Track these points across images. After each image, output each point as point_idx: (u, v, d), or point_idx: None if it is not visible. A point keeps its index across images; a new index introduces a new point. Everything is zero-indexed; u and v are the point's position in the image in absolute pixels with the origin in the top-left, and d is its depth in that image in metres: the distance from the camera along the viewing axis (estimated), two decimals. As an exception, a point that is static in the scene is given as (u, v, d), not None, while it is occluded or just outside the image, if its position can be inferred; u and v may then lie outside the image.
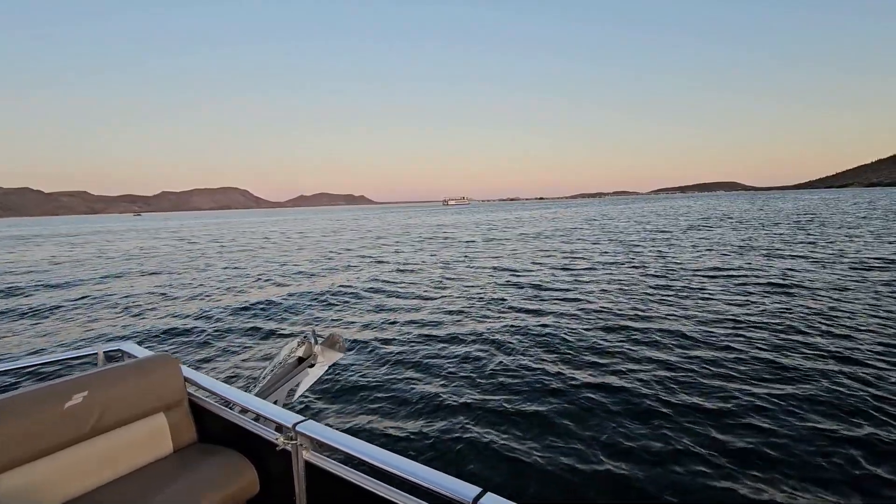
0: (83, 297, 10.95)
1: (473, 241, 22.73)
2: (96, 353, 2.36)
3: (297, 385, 2.50)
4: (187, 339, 7.29)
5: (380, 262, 15.96)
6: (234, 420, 2.00)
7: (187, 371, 2.16)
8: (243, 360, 6.21)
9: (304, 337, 2.60)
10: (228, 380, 5.44)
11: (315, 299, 9.94)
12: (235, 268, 15.60)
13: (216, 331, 7.67)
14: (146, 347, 2.48)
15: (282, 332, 7.57)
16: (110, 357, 2.40)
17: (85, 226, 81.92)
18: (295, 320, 8.35)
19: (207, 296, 10.77)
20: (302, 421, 1.65)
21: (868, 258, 12.50)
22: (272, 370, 2.54)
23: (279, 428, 1.74)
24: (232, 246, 24.82)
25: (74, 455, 1.75)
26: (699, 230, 23.90)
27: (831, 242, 16.47)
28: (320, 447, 1.65)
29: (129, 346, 2.43)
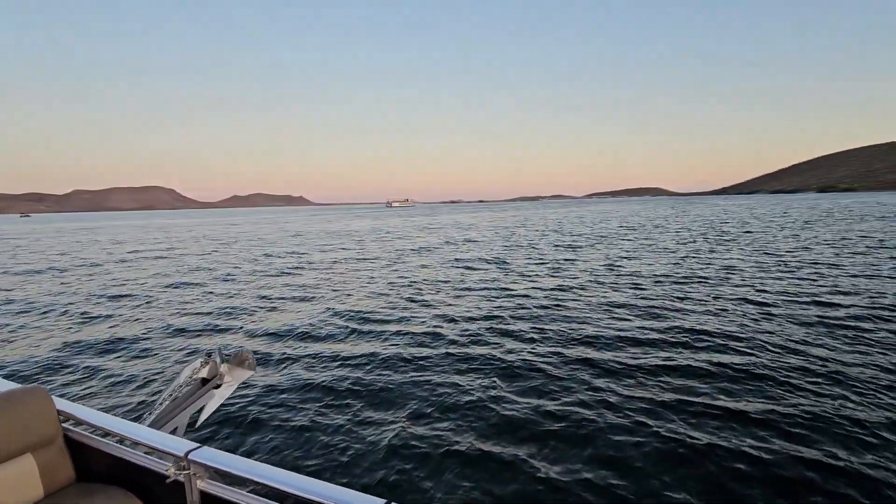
0: None
1: (337, 263, 20.70)
2: None
3: (202, 409, 2.36)
4: (66, 369, 6.75)
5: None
6: (118, 454, 1.86)
7: (62, 404, 1.95)
8: (135, 387, 5.99)
9: (208, 356, 2.46)
10: (119, 411, 5.27)
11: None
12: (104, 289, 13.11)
13: (99, 357, 7.23)
14: (14, 380, 2.28)
15: (174, 351, 7.32)
16: None
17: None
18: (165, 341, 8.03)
19: (87, 321, 9.71)
20: (195, 448, 1.57)
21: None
22: (170, 395, 2.34)
23: (171, 458, 1.62)
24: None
25: None
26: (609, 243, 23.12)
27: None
28: (218, 475, 1.57)
29: None
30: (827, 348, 6.65)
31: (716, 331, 7.51)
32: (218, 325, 8.86)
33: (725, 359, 6.31)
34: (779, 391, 5.28)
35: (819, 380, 5.57)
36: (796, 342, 6.93)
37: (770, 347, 6.73)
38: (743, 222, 35.85)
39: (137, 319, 9.56)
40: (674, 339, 7.19)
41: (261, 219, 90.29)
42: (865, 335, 7.13)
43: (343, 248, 24.73)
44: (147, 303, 11.30)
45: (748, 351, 6.61)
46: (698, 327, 7.72)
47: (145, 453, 1.80)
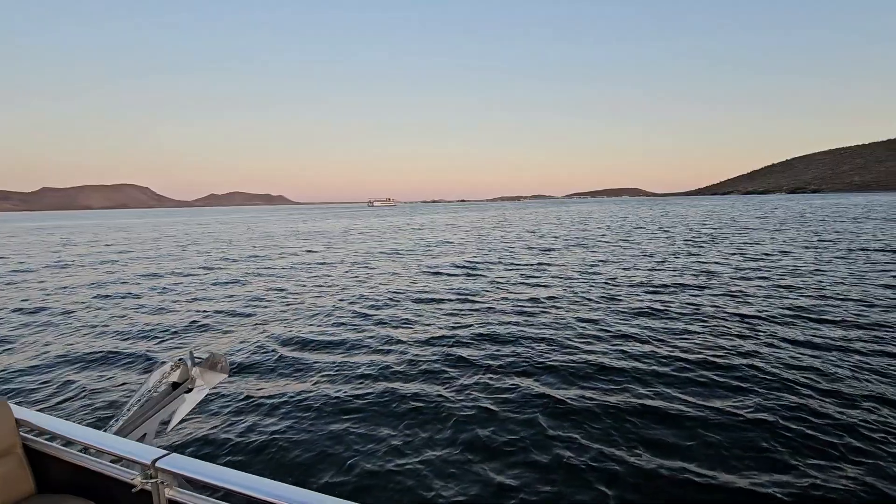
0: None
1: (294, 269, 19.43)
2: None
3: (172, 414, 2.30)
4: (26, 377, 6.39)
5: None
6: (81, 463, 1.79)
7: (21, 412, 1.90)
8: (100, 394, 5.68)
9: (179, 360, 2.42)
10: (84, 418, 4.98)
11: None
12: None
13: (62, 362, 6.92)
14: None
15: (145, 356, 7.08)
16: None
17: None
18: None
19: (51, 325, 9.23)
20: (163, 456, 1.52)
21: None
22: (138, 401, 2.27)
23: (138, 466, 1.58)
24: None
25: None
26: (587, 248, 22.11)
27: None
28: (188, 483, 1.51)
29: None
30: (825, 374, 5.73)
31: (698, 359, 6.44)
32: (117, 350, 7.45)
33: (711, 398, 5.26)
34: (780, 450, 4.20)
35: (826, 424, 4.58)
36: (790, 366, 5.98)
37: (761, 376, 5.75)
38: (721, 223, 35.68)
39: (29, 342, 8.10)
40: (649, 368, 6.14)
41: (233, 218, 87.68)
42: (867, 359, 6.23)
43: (308, 252, 23.32)
44: (57, 318, 9.81)
45: (737, 384, 5.59)
46: (679, 353, 6.68)
47: (110, 462, 1.72)
